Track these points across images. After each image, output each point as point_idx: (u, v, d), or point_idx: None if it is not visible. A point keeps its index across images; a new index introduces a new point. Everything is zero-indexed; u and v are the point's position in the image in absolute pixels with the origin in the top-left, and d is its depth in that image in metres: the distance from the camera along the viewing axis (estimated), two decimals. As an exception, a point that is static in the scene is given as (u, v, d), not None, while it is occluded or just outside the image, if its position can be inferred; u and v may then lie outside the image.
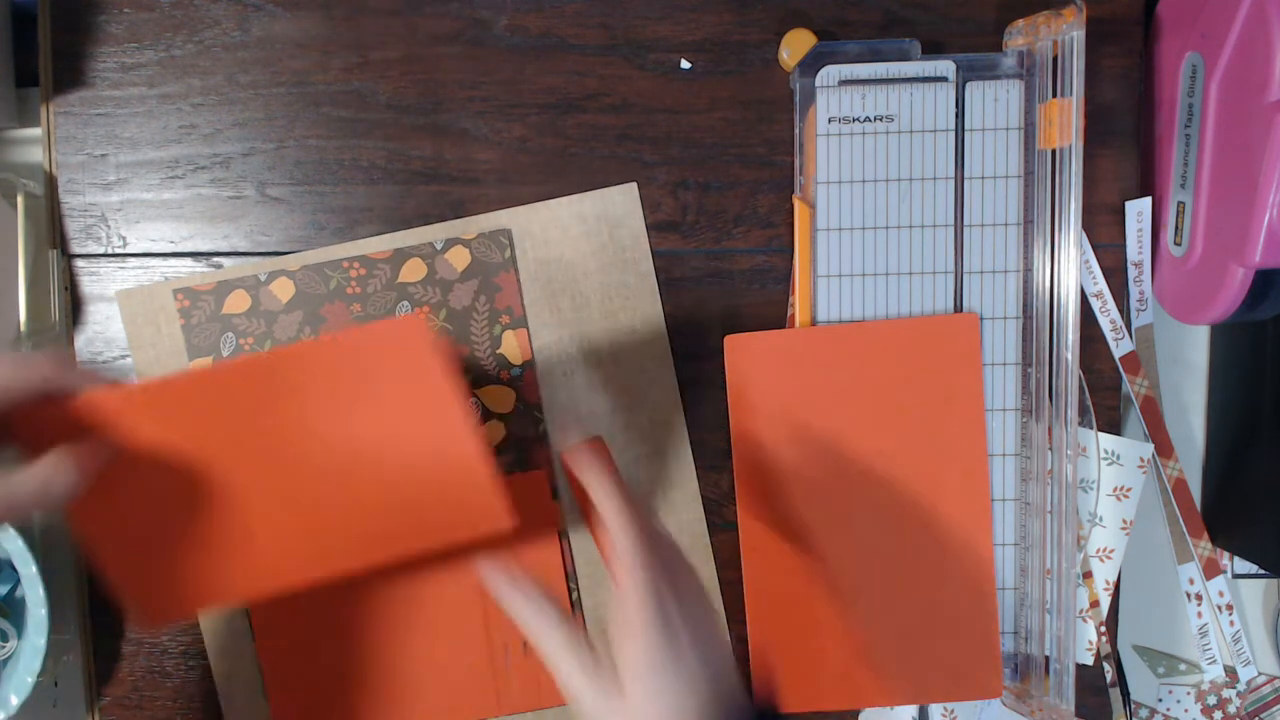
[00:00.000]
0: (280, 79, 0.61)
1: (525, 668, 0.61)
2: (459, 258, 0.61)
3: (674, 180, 0.62)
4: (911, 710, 0.63)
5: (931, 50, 0.60)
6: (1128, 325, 0.63)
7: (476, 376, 0.61)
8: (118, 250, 0.62)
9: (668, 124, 0.62)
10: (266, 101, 0.61)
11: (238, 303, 0.61)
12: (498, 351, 0.61)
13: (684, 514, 0.62)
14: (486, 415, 0.61)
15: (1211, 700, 0.67)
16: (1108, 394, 0.63)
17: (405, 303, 0.61)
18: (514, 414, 0.61)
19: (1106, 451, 0.62)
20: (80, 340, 0.62)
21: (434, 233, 0.61)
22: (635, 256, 0.61)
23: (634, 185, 0.61)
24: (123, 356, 0.62)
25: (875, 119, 0.59)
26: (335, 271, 0.61)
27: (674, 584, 0.46)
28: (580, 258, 0.61)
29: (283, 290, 0.61)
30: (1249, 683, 0.66)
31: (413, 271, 0.61)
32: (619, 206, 0.61)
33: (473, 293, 0.61)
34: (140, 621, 0.53)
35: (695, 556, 0.62)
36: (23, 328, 0.60)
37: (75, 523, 0.50)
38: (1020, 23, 0.59)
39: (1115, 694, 0.63)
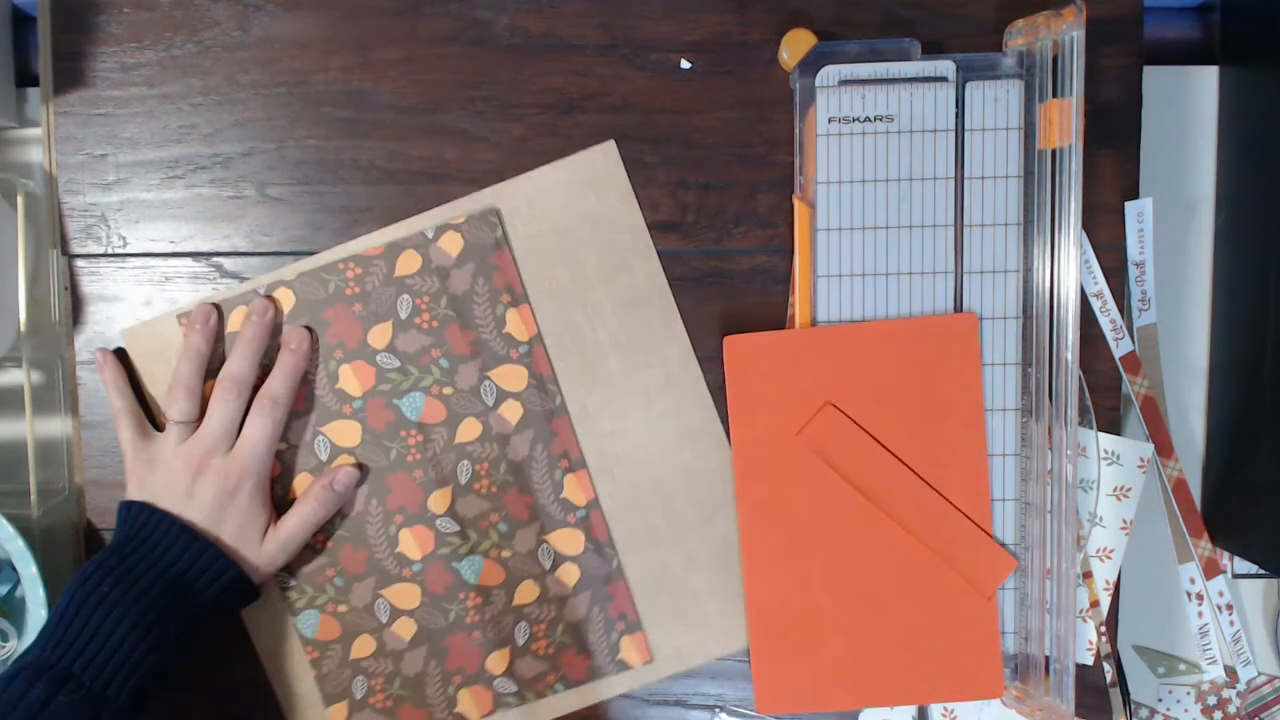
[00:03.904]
0: (280, 79, 0.61)
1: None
2: (452, 243, 0.61)
3: (674, 180, 0.62)
4: (911, 710, 0.63)
5: (931, 50, 0.60)
6: (1128, 325, 0.63)
7: (486, 359, 0.61)
8: (118, 250, 0.62)
9: (668, 124, 0.62)
10: (266, 101, 0.61)
11: (240, 319, 0.61)
12: (504, 331, 0.61)
13: (713, 460, 0.62)
14: (501, 396, 0.61)
15: (1211, 700, 0.67)
16: (1108, 394, 0.63)
17: (405, 296, 0.61)
18: (528, 390, 0.61)
19: (1106, 451, 0.62)
20: (80, 340, 0.62)
21: (423, 222, 0.61)
22: (625, 214, 0.61)
23: (611, 143, 0.61)
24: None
25: (875, 119, 0.59)
26: (332, 275, 0.61)
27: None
28: (571, 224, 0.61)
29: (283, 300, 0.61)
30: (1249, 683, 0.66)
31: (408, 264, 0.61)
32: (600, 167, 0.61)
33: (470, 276, 0.61)
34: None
35: (729, 507, 0.62)
36: (23, 328, 0.60)
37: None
38: (1020, 23, 0.59)
39: (1115, 694, 0.63)
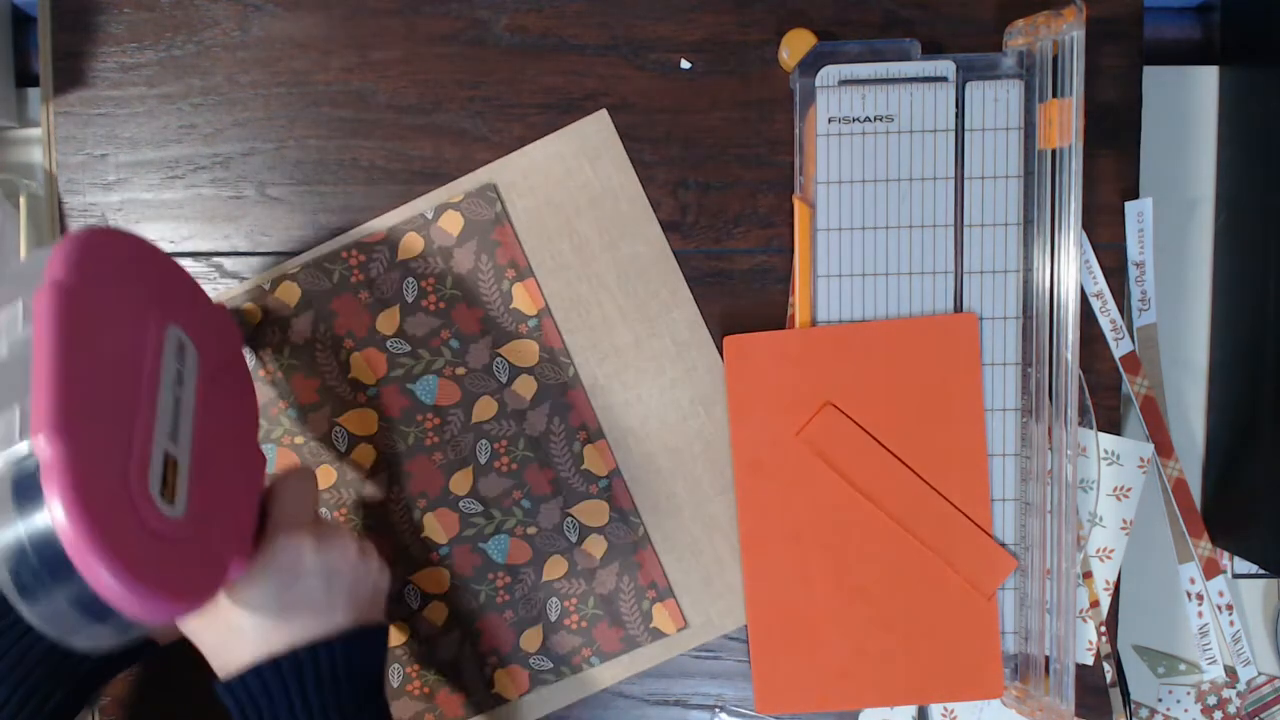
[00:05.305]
0: (280, 79, 0.61)
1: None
2: (452, 223, 0.61)
3: (674, 180, 0.62)
4: (911, 710, 0.63)
5: (931, 50, 0.60)
6: (1128, 325, 0.63)
7: (496, 336, 0.61)
8: (118, 250, 0.62)
9: (668, 124, 0.62)
10: (266, 101, 0.62)
11: (249, 317, 0.61)
12: (511, 306, 0.61)
13: (727, 425, 0.61)
14: (514, 372, 0.61)
15: (1211, 700, 0.67)
16: (1108, 394, 0.63)
17: (410, 279, 0.61)
18: (540, 364, 0.61)
19: (1106, 451, 0.62)
20: (80, 340, 0.62)
21: (422, 204, 0.61)
22: (622, 182, 0.61)
23: (604, 113, 0.61)
24: (123, 356, 0.62)
25: (875, 119, 0.59)
26: (335, 264, 0.61)
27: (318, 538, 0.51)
28: (568, 197, 0.61)
29: (289, 294, 0.61)
30: (1249, 683, 0.66)
31: (410, 246, 0.61)
32: (594, 137, 0.61)
33: (473, 254, 0.61)
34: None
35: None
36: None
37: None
38: (1020, 23, 0.59)
39: (1115, 694, 0.63)
